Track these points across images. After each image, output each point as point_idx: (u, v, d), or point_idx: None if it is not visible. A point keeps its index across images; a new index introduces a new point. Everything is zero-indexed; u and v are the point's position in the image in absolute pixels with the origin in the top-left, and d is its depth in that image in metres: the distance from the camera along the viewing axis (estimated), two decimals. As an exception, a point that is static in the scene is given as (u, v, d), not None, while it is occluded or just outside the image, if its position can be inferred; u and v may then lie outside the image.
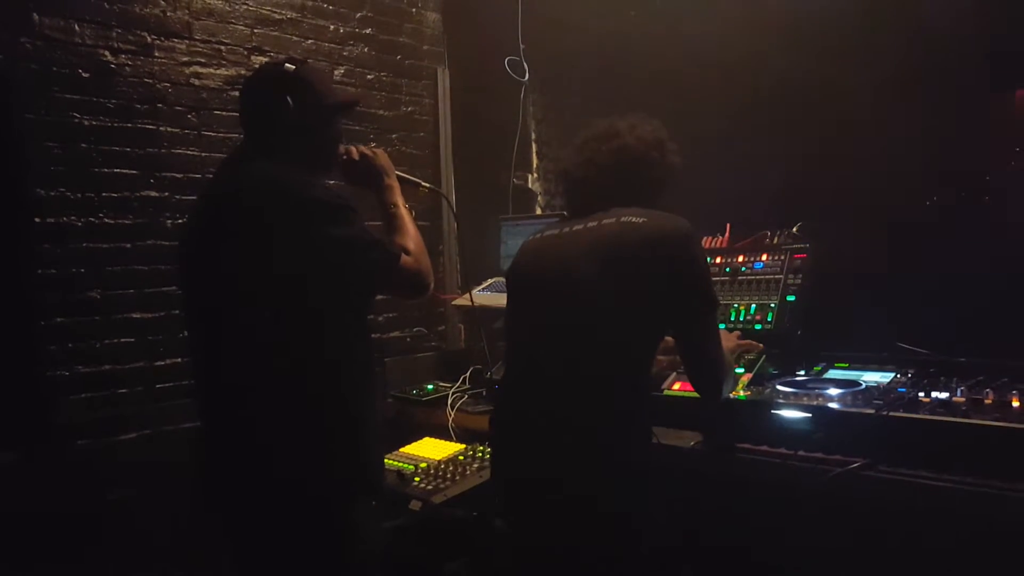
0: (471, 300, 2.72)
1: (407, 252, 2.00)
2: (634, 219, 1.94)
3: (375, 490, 2.05)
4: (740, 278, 2.71)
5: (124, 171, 2.92)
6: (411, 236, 2.07)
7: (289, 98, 1.97)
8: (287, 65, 2.02)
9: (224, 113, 3.19)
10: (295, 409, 1.87)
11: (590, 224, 2.00)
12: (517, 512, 2.08)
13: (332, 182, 2.05)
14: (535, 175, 4.03)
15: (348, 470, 1.95)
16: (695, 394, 2.06)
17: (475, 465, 2.62)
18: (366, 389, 2.03)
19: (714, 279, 2.69)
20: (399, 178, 2.24)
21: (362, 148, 2.20)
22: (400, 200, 2.18)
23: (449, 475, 2.59)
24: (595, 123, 2.16)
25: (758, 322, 2.58)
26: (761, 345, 2.48)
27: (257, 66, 3.18)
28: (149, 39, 3.00)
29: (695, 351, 1.97)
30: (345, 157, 2.16)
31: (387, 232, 2.09)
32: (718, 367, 1.97)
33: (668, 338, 2.12)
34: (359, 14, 3.67)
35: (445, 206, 3.86)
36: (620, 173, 2.06)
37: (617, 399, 1.91)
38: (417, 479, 2.61)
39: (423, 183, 2.49)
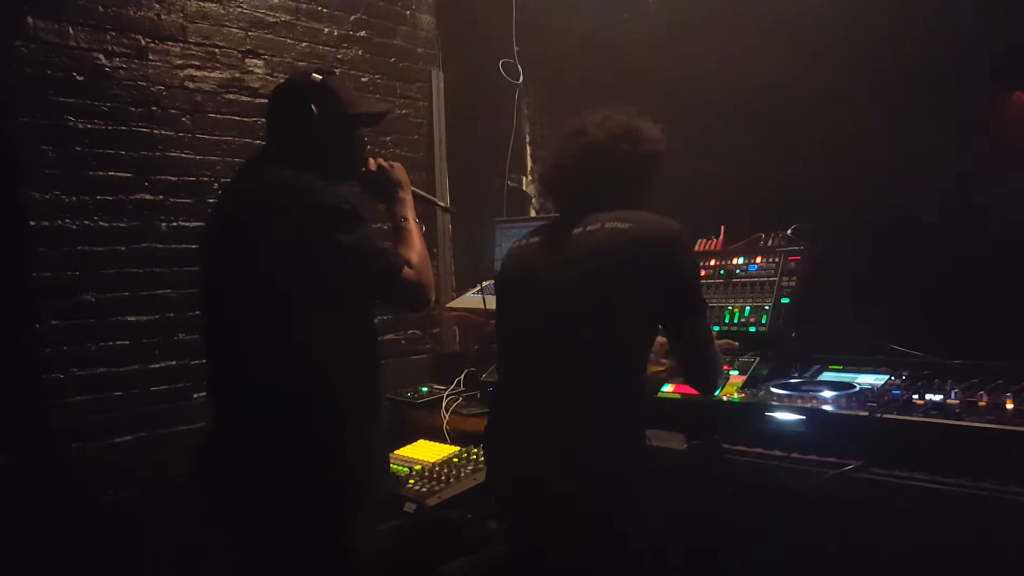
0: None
1: (410, 265, 2.01)
2: (619, 225, 1.90)
3: (375, 501, 2.10)
4: (734, 280, 2.71)
5: (118, 174, 2.91)
6: (416, 250, 2.09)
7: (313, 106, 2.03)
8: (314, 75, 2.09)
9: (218, 116, 3.18)
10: (296, 415, 1.90)
11: (575, 231, 1.96)
12: (515, 517, 2.08)
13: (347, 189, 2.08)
14: (529, 177, 4.04)
15: (350, 483, 1.98)
16: (688, 395, 2.07)
17: (469, 467, 2.63)
18: (372, 394, 2.07)
19: (708, 282, 2.71)
20: (414, 194, 2.28)
21: (380, 160, 2.25)
22: (411, 214, 2.21)
23: (443, 477, 2.60)
24: (567, 121, 2.10)
25: (752, 324, 2.59)
26: (736, 344, 2.49)
27: (251, 69, 3.27)
28: (143, 42, 2.98)
29: (689, 352, 1.98)
30: (363, 168, 2.22)
31: (394, 244, 2.12)
32: (712, 365, 2.00)
33: (664, 340, 2.12)
34: (353, 17, 3.67)
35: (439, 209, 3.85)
36: (589, 172, 2.00)
37: (610, 403, 1.91)
38: (411, 481, 2.61)
39: (437, 201, 2.54)
